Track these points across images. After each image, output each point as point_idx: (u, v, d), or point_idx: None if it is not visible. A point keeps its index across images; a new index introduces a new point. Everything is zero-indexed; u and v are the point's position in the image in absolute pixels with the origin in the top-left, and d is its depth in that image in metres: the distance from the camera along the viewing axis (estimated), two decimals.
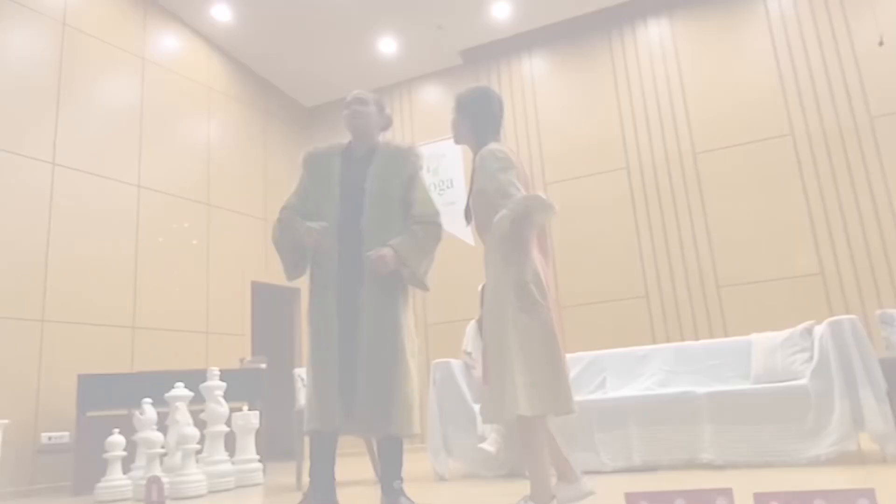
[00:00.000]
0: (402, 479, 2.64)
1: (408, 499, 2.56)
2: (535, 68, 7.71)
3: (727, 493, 0.82)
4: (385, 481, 2.63)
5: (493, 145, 2.33)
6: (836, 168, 6.19)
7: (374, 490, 3.66)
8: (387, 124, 2.93)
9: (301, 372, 4.42)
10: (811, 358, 3.44)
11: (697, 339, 5.87)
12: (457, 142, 2.54)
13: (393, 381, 2.55)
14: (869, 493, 0.76)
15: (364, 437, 2.64)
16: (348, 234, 2.64)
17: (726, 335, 5.99)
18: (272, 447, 6.02)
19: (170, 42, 7.06)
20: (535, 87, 7.66)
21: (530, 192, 2.26)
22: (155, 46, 6.85)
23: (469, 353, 4.36)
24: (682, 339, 6.20)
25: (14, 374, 5.07)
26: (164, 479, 3.71)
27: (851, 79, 6.27)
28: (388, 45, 7.74)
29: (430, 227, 2.70)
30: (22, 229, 5.35)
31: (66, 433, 5.23)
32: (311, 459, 2.63)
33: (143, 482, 4.13)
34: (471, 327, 4.46)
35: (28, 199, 5.44)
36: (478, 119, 2.42)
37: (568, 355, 4.55)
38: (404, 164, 2.77)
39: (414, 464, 4.73)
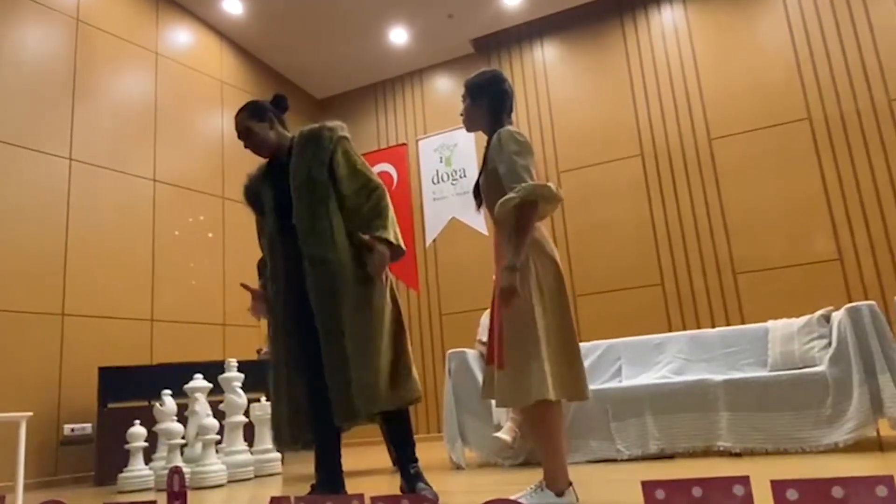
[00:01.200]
0: (417, 461, 2.64)
1: (426, 483, 2.58)
2: (546, 55, 7.66)
3: (744, 480, 0.82)
4: (402, 465, 2.64)
5: (512, 128, 2.31)
6: (854, 152, 6.11)
7: (391, 477, 3.70)
8: (277, 114, 2.83)
9: None
10: (829, 345, 3.42)
11: (714, 326, 5.84)
12: (469, 129, 2.51)
13: (354, 361, 2.47)
14: (887, 480, 0.76)
15: (353, 425, 2.57)
16: (288, 238, 2.64)
17: (743, 322, 5.95)
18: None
19: (182, 36, 7.09)
20: (547, 74, 7.61)
21: (541, 181, 2.25)
22: (167, 41, 6.89)
23: (483, 343, 4.37)
24: (699, 327, 6.17)
25: (36, 367, 5.16)
26: (185, 470, 3.77)
27: (870, 61, 6.17)
28: (398, 36, 7.72)
29: (370, 195, 2.61)
30: (40, 225, 5.43)
31: (88, 425, 5.32)
32: (316, 452, 2.66)
33: (165, 472, 4.21)
34: (485, 317, 4.47)
35: (46, 194, 5.51)
36: (493, 103, 2.40)
37: (583, 344, 4.56)
38: (321, 143, 2.67)
39: (430, 452, 4.77)
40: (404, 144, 7.32)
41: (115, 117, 6.22)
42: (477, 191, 2.44)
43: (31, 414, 4.31)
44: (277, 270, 2.71)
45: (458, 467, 3.90)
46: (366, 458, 5.06)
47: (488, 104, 2.40)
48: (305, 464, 5.02)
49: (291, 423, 2.59)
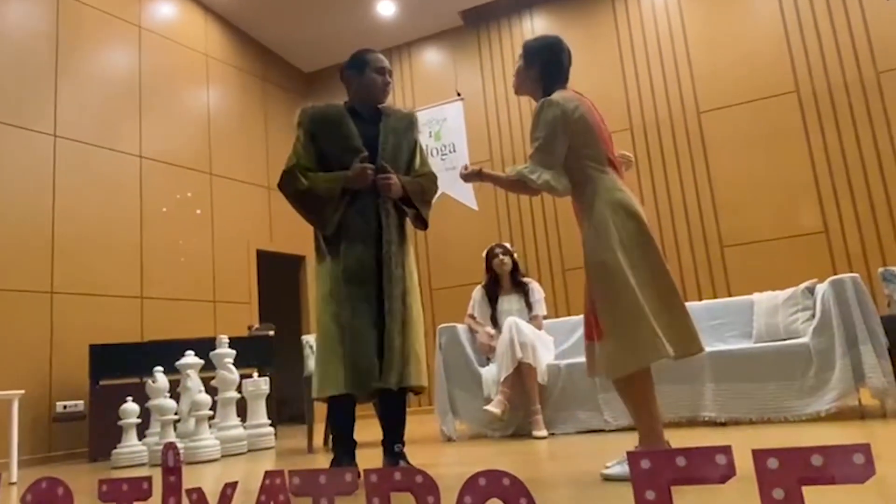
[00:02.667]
0: (403, 443, 2.67)
1: (408, 463, 2.58)
2: (536, 28, 7.59)
3: (727, 450, 0.85)
4: (387, 442, 2.65)
5: (555, 95, 2.27)
6: (841, 125, 6.13)
7: (374, 451, 3.75)
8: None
9: (310, 339, 4.47)
10: (813, 316, 3.47)
11: (701, 299, 5.90)
12: (518, 92, 2.50)
13: (411, 334, 2.61)
14: (864, 448, 0.79)
15: (380, 392, 2.59)
16: (367, 190, 2.64)
17: (730, 295, 6.02)
18: (282, 412, 6.13)
19: (166, 10, 6.96)
20: None
21: (601, 140, 2.25)
22: (151, 15, 6.76)
23: (474, 318, 4.41)
24: (686, 300, 6.22)
25: (27, 345, 5.16)
26: (179, 445, 3.80)
27: (858, 34, 6.16)
28: (386, 8, 7.62)
29: (431, 176, 2.89)
30: (27, 203, 5.37)
31: (81, 402, 5.34)
32: (334, 425, 2.68)
33: (158, 448, 4.24)
34: (477, 292, 4.50)
35: (31, 172, 5.45)
36: (546, 69, 2.36)
37: (572, 317, 4.60)
38: (410, 128, 2.88)
39: (421, 425, 4.83)
40: None
41: (100, 93, 6.12)
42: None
43: (23, 391, 4.32)
44: (361, 215, 2.65)
45: (449, 440, 3.96)
46: (357, 433, 5.11)
47: (539, 70, 2.37)
48: (298, 438, 5.07)
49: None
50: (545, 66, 2.36)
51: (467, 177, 2.49)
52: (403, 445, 2.66)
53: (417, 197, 2.75)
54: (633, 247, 2.10)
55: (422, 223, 2.82)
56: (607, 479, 2.07)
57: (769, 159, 6.32)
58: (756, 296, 3.94)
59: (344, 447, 2.63)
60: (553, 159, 2.19)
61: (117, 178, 6.10)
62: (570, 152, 2.21)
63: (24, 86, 5.52)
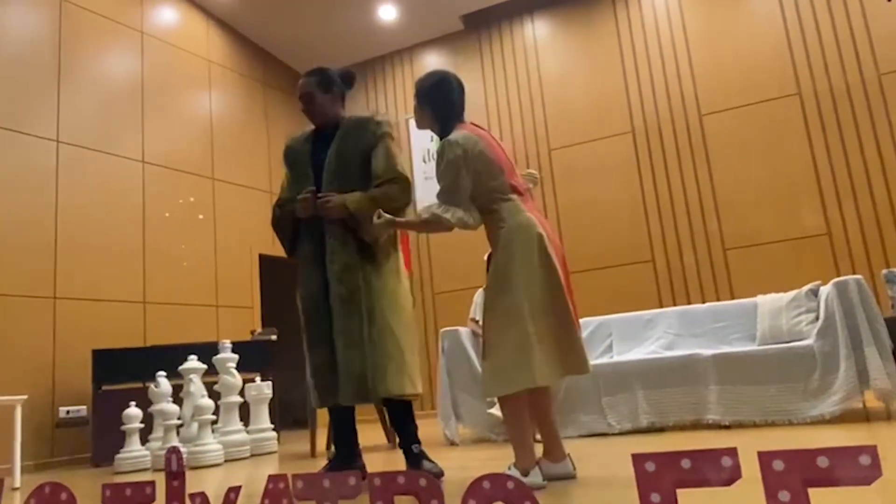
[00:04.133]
0: (420, 442, 2.69)
1: (431, 461, 2.63)
2: (537, 32, 7.61)
3: (732, 452, 0.84)
4: (405, 446, 2.69)
5: (455, 135, 2.36)
6: (843, 127, 6.13)
7: (391, 455, 3.75)
8: (342, 91, 2.87)
9: None
10: (817, 318, 3.46)
11: (704, 302, 5.90)
12: (420, 127, 2.58)
13: (378, 347, 2.56)
14: (871, 450, 0.79)
15: (356, 404, 2.65)
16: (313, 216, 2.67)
17: (733, 298, 6.01)
18: (285, 416, 6.13)
19: (167, 15, 6.98)
20: (538, 50, 7.56)
21: (502, 171, 2.36)
22: (153, 20, 6.78)
23: (476, 321, 4.40)
24: (689, 303, 6.23)
25: (30, 350, 5.16)
26: (182, 450, 3.80)
27: (860, 36, 6.16)
28: (387, 12, 7.64)
29: (389, 184, 2.66)
30: (30, 208, 5.38)
31: (83, 407, 5.33)
32: (332, 430, 2.72)
33: (161, 453, 4.24)
34: (478, 295, 4.50)
35: (34, 177, 5.46)
36: (438, 109, 2.46)
37: None
38: (365, 134, 2.74)
39: (424, 429, 4.81)
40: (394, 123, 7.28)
41: (102, 98, 6.14)
42: None
43: (26, 397, 4.32)
44: (304, 242, 2.76)
45: (453, 443, 3.95)
46: (361, 437, 5.11)
47: (432, 109, 2.47)
48: (301, 442, 5.07)
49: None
50: (437, 106, 2.47)
51: (378, 227, 2.39)
52: (420, 444, 2.69)
53: (367, 213, 2.55)
54: (536, 267, 2.23)
55: (368, 236, 2.61)
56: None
57: (771, 161, 6.32)
58: (759, 298, 3.93)
59: (339, 453, 2.70)
60: (459, 197, 2.31)
61: (119, 183, 6.11)
62: (475, 186, 2.33)
63: (27, 91, 5.53)
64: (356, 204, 2.58)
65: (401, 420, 2.71)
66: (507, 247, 2.26)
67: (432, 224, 2.35)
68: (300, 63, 8.45)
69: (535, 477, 2.17)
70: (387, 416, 4.32)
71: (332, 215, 2.60)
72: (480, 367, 2.36)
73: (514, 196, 2.36)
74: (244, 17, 7.56)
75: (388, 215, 2.38)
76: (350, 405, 2.66)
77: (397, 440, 2.79)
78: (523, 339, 2.14)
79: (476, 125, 2.49)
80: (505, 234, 2.28)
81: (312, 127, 2.88)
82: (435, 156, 2.39)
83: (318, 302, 2.69)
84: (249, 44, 7.91)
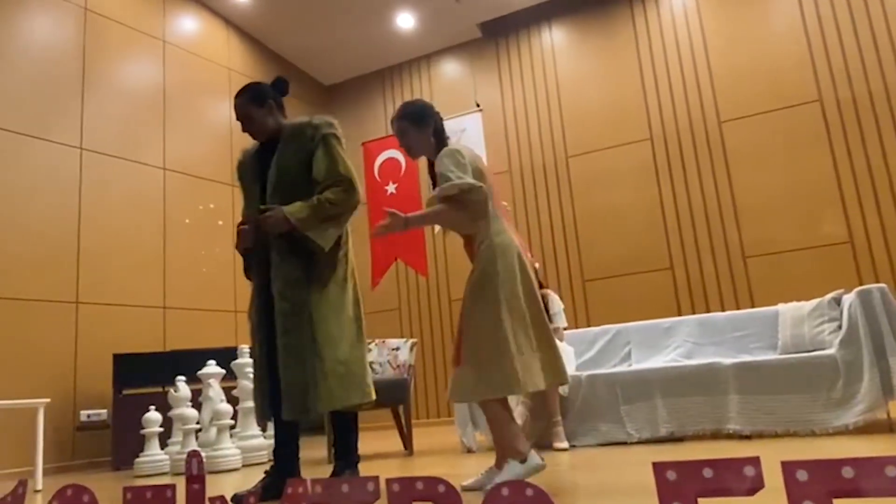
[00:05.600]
0: (357, 460, 2.66)
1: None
2: (555, 39, 7.61)
3: (755, 461, 0.83)
4: (336, 461, 2.65)
5: (455, 146, 2.50)
6: (865, 134, 6.04)
7: (407, 461, 3.74)
8: (277, 99, 2.79)
9: None
10: (839, 327, 3.41)
11: (724, 310, 5.83)
12: (415, 155, 2.64)
13: (308, 361, 2.49)
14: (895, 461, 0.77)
15: (295, 419, 2.60)
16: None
17: (753, 306, 5.94)
18: (302, 422, 6.13)
19: (189, 24, 7.09)
20: (555, 57, 7.56)
21: (490, 188, 2.45)
22: (174, 29, 6.89)
23: None
24: (709, 311, 6.17)
25: (52, 355, 5.24)
26: (201, 454, 3.82)
27: (882, 42, 6.09)
28: (405, 20, 7.68)
29: (332, 188, 2.57)
30: (53, 214, 5.48)
31: (104, 411, 5.40)
32: (274, 442, 2.72)
33: (180, 457, 4.27)
34: None
35: (58, 184, 5.56)
36: (438, 127, 2.60)
37: (593, 328, 4.57)
38: (303, 140, 2.66)
39: (442, 437, 4.81)
40: None
41: (125, 106, 6.24)
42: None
43: (48, 400, 4.38)
44: (253, 264, 2.75)
45: (469, 451, 3.94)
46: (378, 443, 5.11)
47: (433, 130, 2.58)
48: (318, 447, 5.08)
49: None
50: (437, 124, 2.61)
51: (390, 227, 2.34)
52: (356, 462, 2.67)
53: (310, 222, 2.50)
54: (516, 283, 2.34)
55: (311, 244, 2.53)
56: (465, 489, 2.32)
57: (792, 169, 6.25)
58: (781, 306, 3.88)
59: (277, 467, 2.65)
60: (467, 175, 2.38)
61: (141, 190, 6.20)
62: None
63: (52, 99, 5.64)
64: (295, 214, 2.49)
65: (340, 431, 2.69)
66: (491, 261, 2.34)
67: (442, 213, 2.38)
68: (318, 71, 8.53)
69: (534, 459, 2.27)
70: (399, 423, 4.32)
71: (274, 230, 2.51)
72: (453, 372, 2.36)
73: (499, 213, 2.48)
74: (264, 25, 7.65)
75: (400, 214, 2.34)
76: (292, 420, 2.59)
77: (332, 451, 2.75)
78: (504, 347, 2.22)
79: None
80: (487, 249, 2.37)
81: (252, 146, 2.85)
82: (440, 157, 2.45)
83: (262, 318, 2.63)
84: (269, 52, 7.99)
